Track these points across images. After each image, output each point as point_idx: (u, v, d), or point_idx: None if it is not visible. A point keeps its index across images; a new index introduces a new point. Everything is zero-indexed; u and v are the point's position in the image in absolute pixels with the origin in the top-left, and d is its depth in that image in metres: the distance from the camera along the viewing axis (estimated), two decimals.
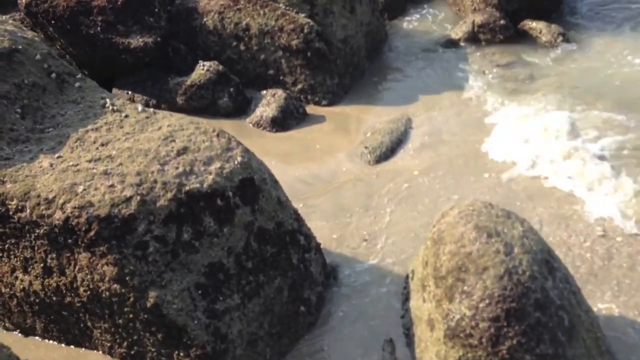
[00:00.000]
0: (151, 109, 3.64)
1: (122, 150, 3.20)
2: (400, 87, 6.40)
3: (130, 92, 6.56)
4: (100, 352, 3.35)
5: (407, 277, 3.53)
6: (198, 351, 2.96)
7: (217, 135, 3.40)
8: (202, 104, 6.16)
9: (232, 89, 6.07)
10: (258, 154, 5.52)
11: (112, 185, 2.94)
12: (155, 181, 3.00)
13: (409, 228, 4.32)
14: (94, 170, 3.03)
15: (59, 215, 2.86)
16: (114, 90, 6.67)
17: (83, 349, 3.40)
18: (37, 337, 3.50)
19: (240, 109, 6.15)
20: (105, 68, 6.50)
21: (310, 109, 6.13)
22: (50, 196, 2.90)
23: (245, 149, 3.41)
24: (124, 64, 6.42)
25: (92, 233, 2.82)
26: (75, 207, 2.84)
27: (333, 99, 6.17)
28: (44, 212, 2.89)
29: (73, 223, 2.84)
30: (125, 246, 2.84)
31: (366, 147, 5.29)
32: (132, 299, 2.90)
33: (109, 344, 3.26)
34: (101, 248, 2.84)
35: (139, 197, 2.90)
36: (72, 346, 3.42)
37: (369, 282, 3.85)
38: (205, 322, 2.99)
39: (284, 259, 3.43)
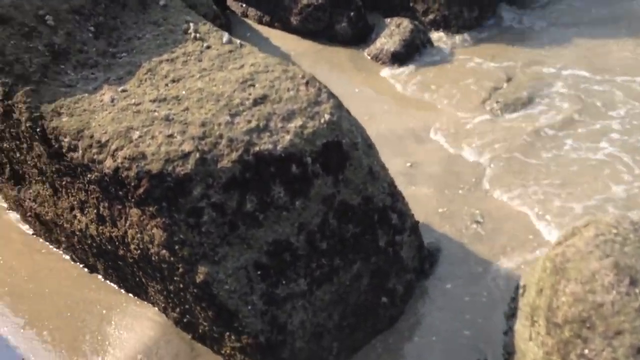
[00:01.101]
0: (238, 41, 3.16)
1: (192, 91, 2.79)
2: (558, 31, 5.37)
3: (244, 5, 6.14)
4: (156, 308, 3.14)
5: (517, 287, 2.89)
6: (250, 340, 2.62)
7: (307, 83, 2.87)
8: (318, 27, 5.59)
9: (352, 14, 5.42)
10: (370, 93, 4.98)
11: (171, 135, 2.57)
12: (221, 136, 2.58)
13: (538, 217, 3.60)
14: (155, 114, 2.66)
15: (109, 163, 2.55)
16: (228, 2, 6.29)
17: (139, 300, 3.21)
18: (100, 276, 3.37)
19: (360, 36, 5.51)
20: None
21: (441, 44, 5.35)
22: (104, 139, 2.59)
23: (338, 103, 2.86)
24: None
25: (141, 190, 2.49)
26: (126, 157, 2.51)
27: (469, 35, 5.32)
28: (95, 156, 2.59)
29: (122, 175, 2.52)
30: (177, 211, 2.48)
31: (498, 102, 4.49)
32: (181, 270, 2.58)
33: (162, 305, 3.03)
34: (151, 208, 2.51)
35: (198, 154, 2.50)
36: (130, 295, 3.25)
37: (472, 277, 3.26)
38: (261, 309, 2.61)
39: (369, 240, 2.94)
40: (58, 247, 3.55)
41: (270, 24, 5.96)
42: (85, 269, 3.44)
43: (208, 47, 3.10)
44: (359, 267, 2.90)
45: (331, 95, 2.88)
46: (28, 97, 2.71)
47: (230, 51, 3.08)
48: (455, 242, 3.44)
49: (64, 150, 2.69)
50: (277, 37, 5.81)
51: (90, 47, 3.05)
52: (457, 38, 5.29)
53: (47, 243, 3.62)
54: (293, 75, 2.90)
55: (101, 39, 3.11)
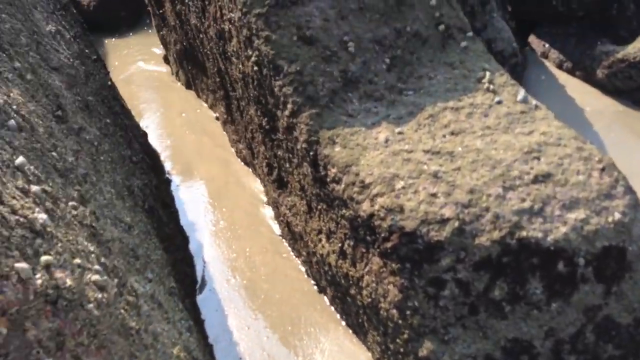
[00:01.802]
0: (534, 102, 2.96)
1: (469, 150, 2.69)
2: None
3: (546, 46, 5.81)
4: (370, 355, 3.14)
5: None
6: None
7: (602, 169, 2.56)
8: (627, 86, 5.03)
9: None
10: None
11: (434, 195, 2.50)
12: (487, 209, 2.43)
13: None
14: (424, 167, 2.62)
15: (366, 207, 2.59)
16: (531, 38, 6.02)
17: (356, 339, 3.24)
18: (326, 299, 3.50)
19: None
20: (528, 10, 5.87)
21: None
22: (367, 180, 2.63)
23: (635, 202, 2.50)
24: (552, 11, 5.65)
25: (389, 244, 2.47)
26: (383, 206, 2.51)
27: None
28: (355, 195, 2.65)
29: (375, 223, 2.53)
30: (419, 276, 2.42)
31: None
32: (405, 336, 2.52)
33: (378, 356, 3.01)
34: (393, 265, 2.48)
35: (457, 223, 2.40)
36: (350, 330, 3.31)
37: None
38: None
39: None
40: (297, 257, 3.77)
41: (570, 71, 5.54)
42: (315, 287, 3.60)
43: (499, 102, 2.96)
44: None
45: (629, 190, 2.53)
46: (311, 119, 2.88)
47: (522, 112, 2.89)
48: None
49: (328, 180, 2.80)
50: (575, 87, 5.38)
51: (381, 79, 3.13)
52: None
53: (290, 249, 3.87)
54: (588, 156, 2.61)
55: (393, 73, 3.17)
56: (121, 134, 3.53)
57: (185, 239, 3.94)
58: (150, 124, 5.57)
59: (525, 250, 2.37)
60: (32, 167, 1.46)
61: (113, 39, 7.51)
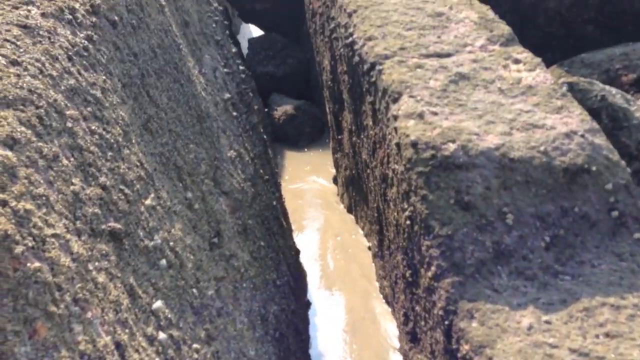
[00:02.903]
0: None
1: None
2: None
3: None
4: None
5: None
6: None
7: None
8: None
9: None
10: None
11: None
12: None
13: None
14: None
15: None
16: None
17: None
18: None
19: None
20: None
21: None
22: None
23: None
24: None
25: None
26: None
27: None
28: None
29: None
30: None
31: None
32: None
33: None
34: None
35: None
36: None
37: None
38: None
39: None
40: None
41: None
42: None
43: None
44: None
45: None
46: (453, 287, 2.83)
47: None
48: None
49: (459, 355, 2.69)
50: None
51: (536, 257, 3.01)
52: None
53: None
54: None
55: (551, 253, 3.03)
56: (272, 256, 3.73)
57: None
58: (305, 242, 5.80)
59: None
60: (167, 310, 1.61)
61: (291, 151, 8.09)
